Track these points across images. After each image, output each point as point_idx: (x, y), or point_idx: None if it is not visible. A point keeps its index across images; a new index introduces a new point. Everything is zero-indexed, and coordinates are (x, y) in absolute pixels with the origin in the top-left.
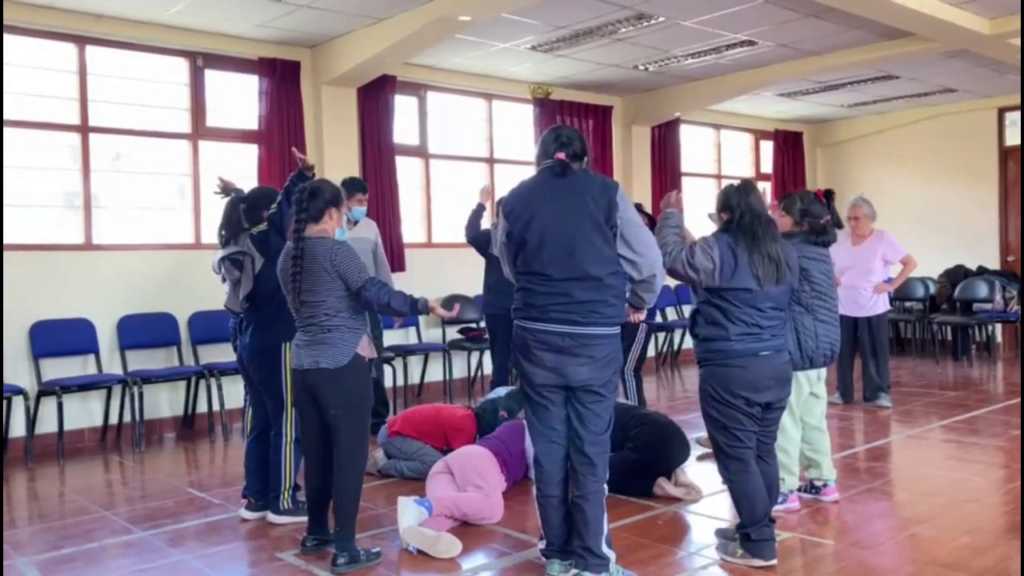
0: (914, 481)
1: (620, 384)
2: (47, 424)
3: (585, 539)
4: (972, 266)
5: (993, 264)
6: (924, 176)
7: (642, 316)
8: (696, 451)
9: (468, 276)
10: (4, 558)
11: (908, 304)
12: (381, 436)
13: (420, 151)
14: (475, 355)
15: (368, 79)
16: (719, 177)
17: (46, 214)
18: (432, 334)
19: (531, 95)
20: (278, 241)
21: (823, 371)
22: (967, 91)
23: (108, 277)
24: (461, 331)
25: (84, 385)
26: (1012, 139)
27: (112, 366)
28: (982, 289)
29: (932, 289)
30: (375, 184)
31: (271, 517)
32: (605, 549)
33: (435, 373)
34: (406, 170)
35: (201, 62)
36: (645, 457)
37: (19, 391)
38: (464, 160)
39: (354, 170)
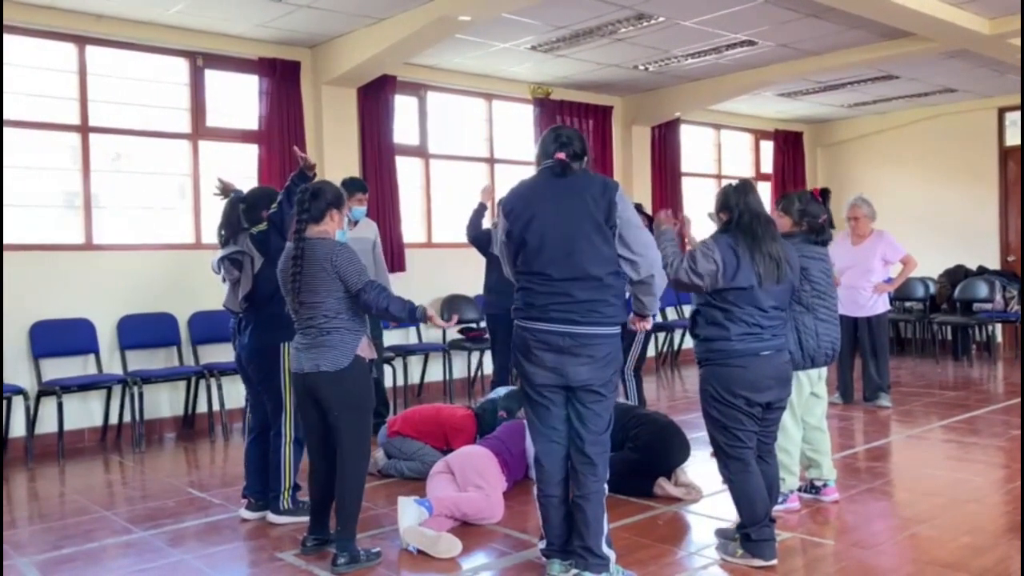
0: (914, 481)
1: (620, 384)
2: (47, 424)
3: (585, 539)
4: (972, 266)
5: (993, 264)
6: (924, 176)
7: (648, 325)
8: (708, 450)
9: (468, 276)
10: (4, 558)
11: (908, 304)
12: (381, 436)
13: (420, 151)
14: (475, 355)
15: (368, 79)
16: (719, 177)
17: (46, 214)
18: (432, 334)
19: (531, 95)
20: (278, 241)
21: (824, 370)
22: (967, 91)
23: (108, 277)
24: (461, 331)
25: (84, 385)
26: (1012, 139)
27: (112, 366)
28: (982, 289)
29: (932, 289)
30: (375, 184)
31: (271, 517)
32: (605, 549)
33: (435, 373)
34: (406, 170)
35: (201, 62)
36: (645, 457)
37: (19, 391)
38: (464, 160)
39: (354, 170)
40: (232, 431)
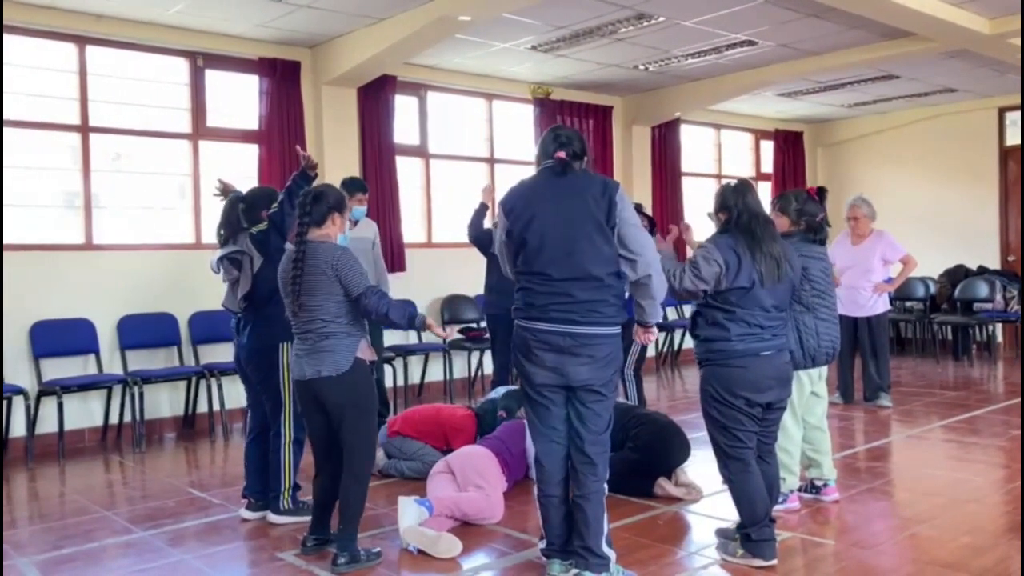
0: (914, 481)
1: (620, 384)
2: (47, 424)
3: (585, 539)
4: (972, 266)
5: (993, 264)
6: (924, 176)
7: (652, 337)
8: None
9: (468, 276)
10: (4, 558)
11: (908, 304)
12: (381, 436)
13: (420, 151)
14: (475, 355)
15: (368, 79)
16: (719, 177)
17: (46, 214)
18: (432, 334)
19: (531, 95)
20: (278, 241)
21: (824, 370)
22: (967, 91)
23: (108, 277)
24: (461, 331)
25: (84, 385)
26: (1012, 139)
27: (112, 366)
28: (982, 289)
29: (932, 289)
30: (375, 184)
31: (271, 517)
32: (605, 549)
33: (435, 373)
34: (406, 170)
35: (201, 62)
36: (645, 457)
37: (19, 391)
38: (464, 160)
39: (354, 170)
40: (232, 431)
